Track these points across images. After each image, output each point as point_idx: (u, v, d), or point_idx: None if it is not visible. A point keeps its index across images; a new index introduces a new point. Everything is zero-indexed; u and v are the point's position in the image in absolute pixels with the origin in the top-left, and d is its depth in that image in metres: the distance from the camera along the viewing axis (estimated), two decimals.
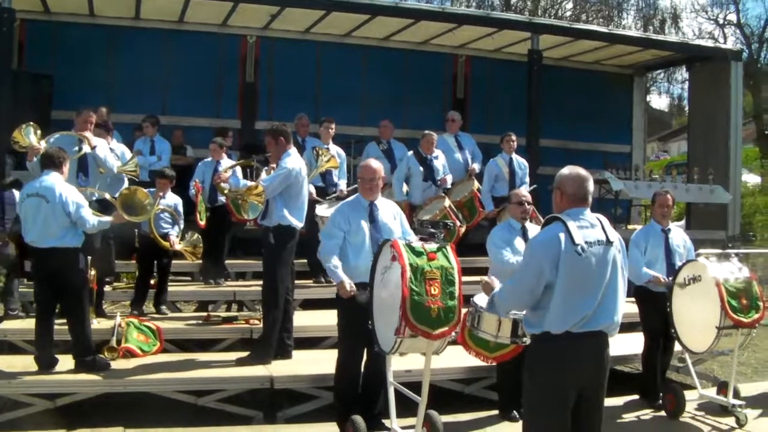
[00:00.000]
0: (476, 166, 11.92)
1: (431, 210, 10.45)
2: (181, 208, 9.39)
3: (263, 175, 7.98)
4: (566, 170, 4.68)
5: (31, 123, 8.13)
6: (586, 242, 4.41)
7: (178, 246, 9.12)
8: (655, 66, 18.02)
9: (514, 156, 11.54)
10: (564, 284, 4.37)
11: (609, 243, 4.50)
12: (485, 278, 5.42)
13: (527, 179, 11.51)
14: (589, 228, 4.49)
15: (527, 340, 5.27)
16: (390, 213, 6.71)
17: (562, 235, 4.40)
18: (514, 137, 11.60)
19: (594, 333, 4.46)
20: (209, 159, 10.35)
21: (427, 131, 11.25)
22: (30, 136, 8.04)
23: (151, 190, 8.81)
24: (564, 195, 4.60)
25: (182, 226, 9.38)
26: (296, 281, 8.50)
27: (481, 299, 6.00)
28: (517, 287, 4.63)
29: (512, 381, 6.55)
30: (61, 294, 7.32)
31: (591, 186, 4.65)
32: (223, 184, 8.24)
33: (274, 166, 7.86)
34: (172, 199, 9.30)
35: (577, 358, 4.43)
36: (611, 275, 4.48)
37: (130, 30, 13.16)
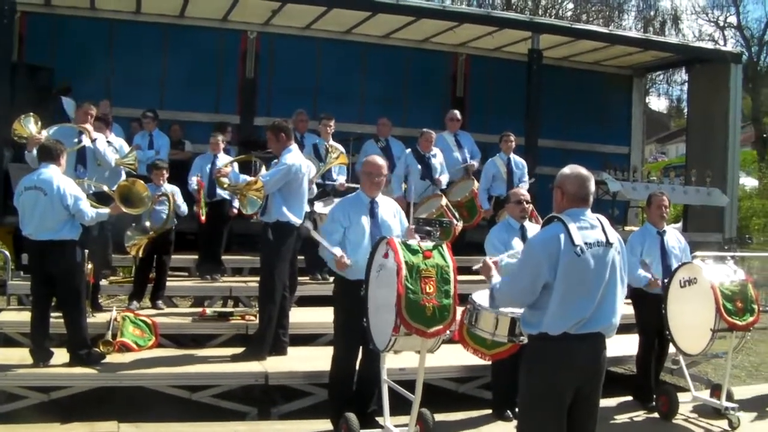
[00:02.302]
0: (475, 163, 11.92)
1: (428, 208, 10.43)
2: (179, 197, 9.24)
3: (263, 170, 7.98)
4: (567, 169, 4.63)
5: (31, 114, 8.13)
6: (585, 243, 4.38)
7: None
8: (654, 67, 18.03)
9: (512, 156, 11.47)
10: (562, 285, 4.34)
11: (609, 244, 4.48)
12: (486, 259, 5.36)
13: (526, 178, 11.44)
14: (589, 229, 4.46)
15: (524, 339, 5.25)
16: (390, 211, 6.71)
17: (561, 236, 4.37)
18: (512, 137, 11.52)
19: (592, 335, 4.44)
20: (206, 153, 10.31)
21: (425, 129, 11.23)
22: (30, 127, 8.03)
23: (150, 184, 8.77)
24: (565, 194, 4.56)
25: (184, 213, 9.28)
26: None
27: (479, 297, 5.99)
28: (514, 285, 4.62)
29: (507, 380, 6.55)
30: (58, 287, 7.31)
31: (592, 186, 4.61)
32: (223, 179, 8.25)
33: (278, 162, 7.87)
34: (168, 189, 9.18)
35: (574, 360, 4.41)
36: (610, 277, 4.46)
37: (131, 24, 13.12)
